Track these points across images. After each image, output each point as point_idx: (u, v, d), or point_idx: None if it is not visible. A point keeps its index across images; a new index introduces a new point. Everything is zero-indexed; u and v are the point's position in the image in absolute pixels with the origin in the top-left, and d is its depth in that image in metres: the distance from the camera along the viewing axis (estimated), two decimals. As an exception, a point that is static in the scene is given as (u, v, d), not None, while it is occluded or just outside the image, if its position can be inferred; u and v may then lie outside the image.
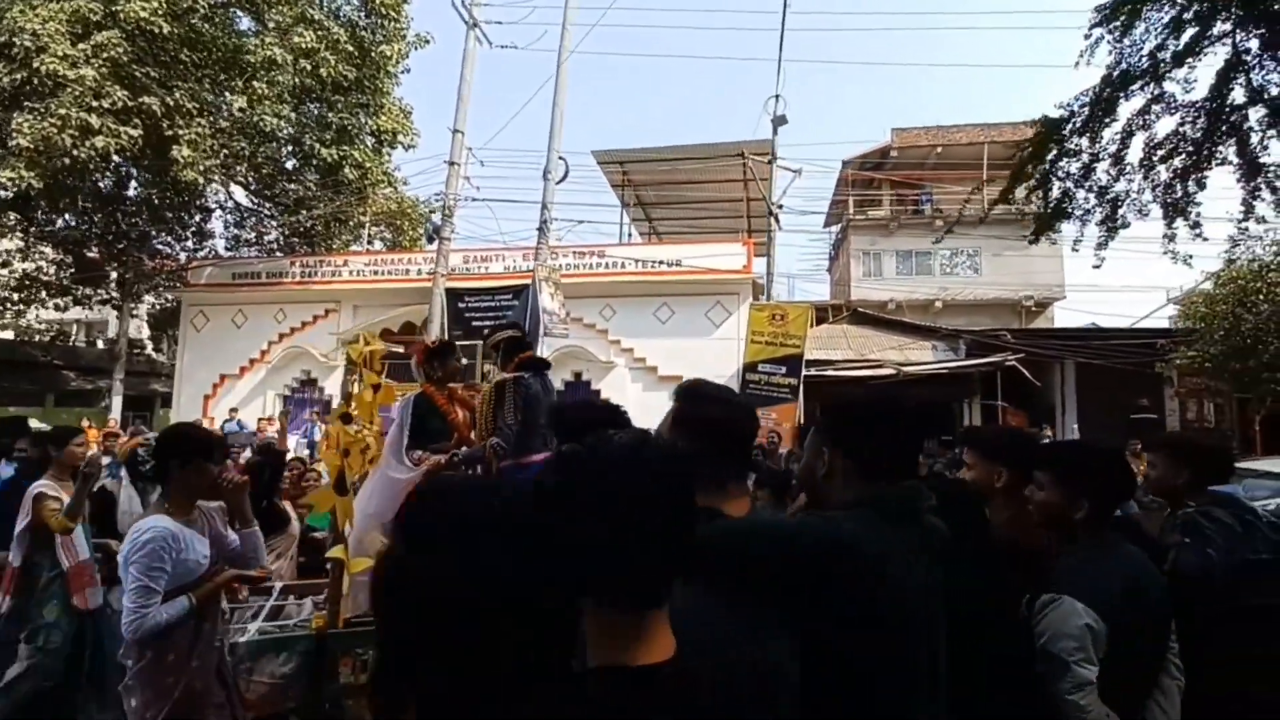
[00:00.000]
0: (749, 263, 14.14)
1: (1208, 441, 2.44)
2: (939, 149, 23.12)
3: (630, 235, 16.31)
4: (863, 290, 23.31)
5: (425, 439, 3.26)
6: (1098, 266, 5.58)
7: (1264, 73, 4.86)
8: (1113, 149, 5.49)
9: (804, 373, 11.27)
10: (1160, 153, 5.45)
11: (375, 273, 14.92)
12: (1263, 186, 5.15)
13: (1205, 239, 5.36)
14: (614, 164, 14.73)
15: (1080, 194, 5.84)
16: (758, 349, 9.01)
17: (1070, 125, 5.47)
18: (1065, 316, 22.27)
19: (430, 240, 13.73)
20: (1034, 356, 11.48)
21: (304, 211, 13.98)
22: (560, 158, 9.97)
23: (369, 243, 18.04)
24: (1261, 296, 8.54)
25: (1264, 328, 8.39)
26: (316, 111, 13.99)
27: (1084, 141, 5.50)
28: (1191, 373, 9.42)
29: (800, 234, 62.09)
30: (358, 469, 2.81)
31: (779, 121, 10.72)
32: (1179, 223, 5.53)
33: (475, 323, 9.69)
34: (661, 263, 14.25)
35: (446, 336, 9.91)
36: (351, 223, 16.76)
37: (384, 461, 2.92)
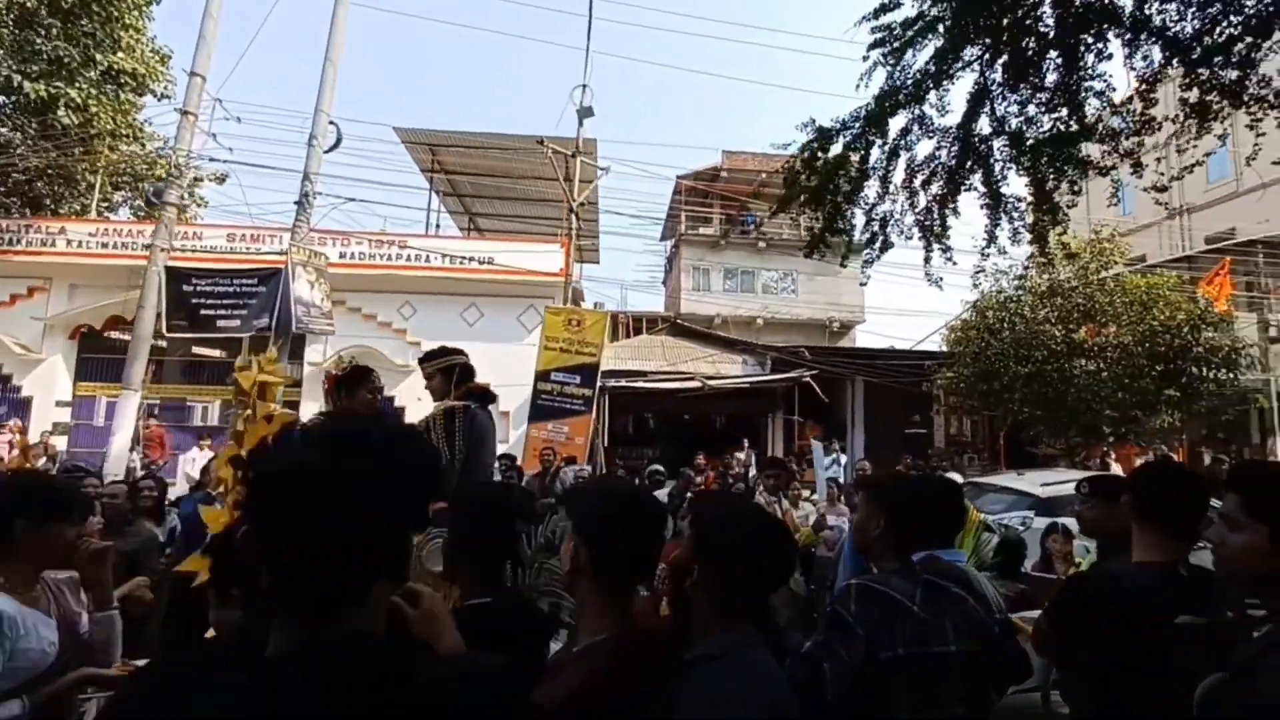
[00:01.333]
0: (566, 265, 13.42)
1: (917, 488, 1.96)
2: (763, 174, 24.33)
3: (439, 227, 14.83)
4: (691, 304, 23.78)
5: None
6: (864, 284, 5.55)
7: (1005, 104, 4.99)
8: (880, 170, 5.43)
9: (608, 383, 10.71)
10: (920, 176, 5.48)
11: (103, 245, 11.94)
12: (1002, 217, 5.33)
13: (955, 264, 5.46)
14: (420, 145, 13.25)
15: (852, 211, 5.76)
16: (551, 356, 8.22)
17: (842, 140, 5.32)
18: (865, 338, 24.37)
19: (150, 204, 11.22)
20: (827, 374, 12.00)
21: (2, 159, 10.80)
22: (331, 122, 8.45)
23: (109, 210, 14.69)
24: (1004, 325, 9.53)
25: (1005, 353, 9.36)
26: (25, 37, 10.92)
27: (854, 158, 5.39)
28: (951, 392, 10.30)
29: (635, 240, 63.70)
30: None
31: (584, 113, 10.10)
32: (935, 247, 5.61)
33: (204, 311, 7.80)
34: (471, 259, 13.03)
35: (164, 326, 7.90)
36: (83, 184, 13.47)
37: None
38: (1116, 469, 10.59)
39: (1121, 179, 5.27)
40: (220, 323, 7.87)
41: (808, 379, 10.91)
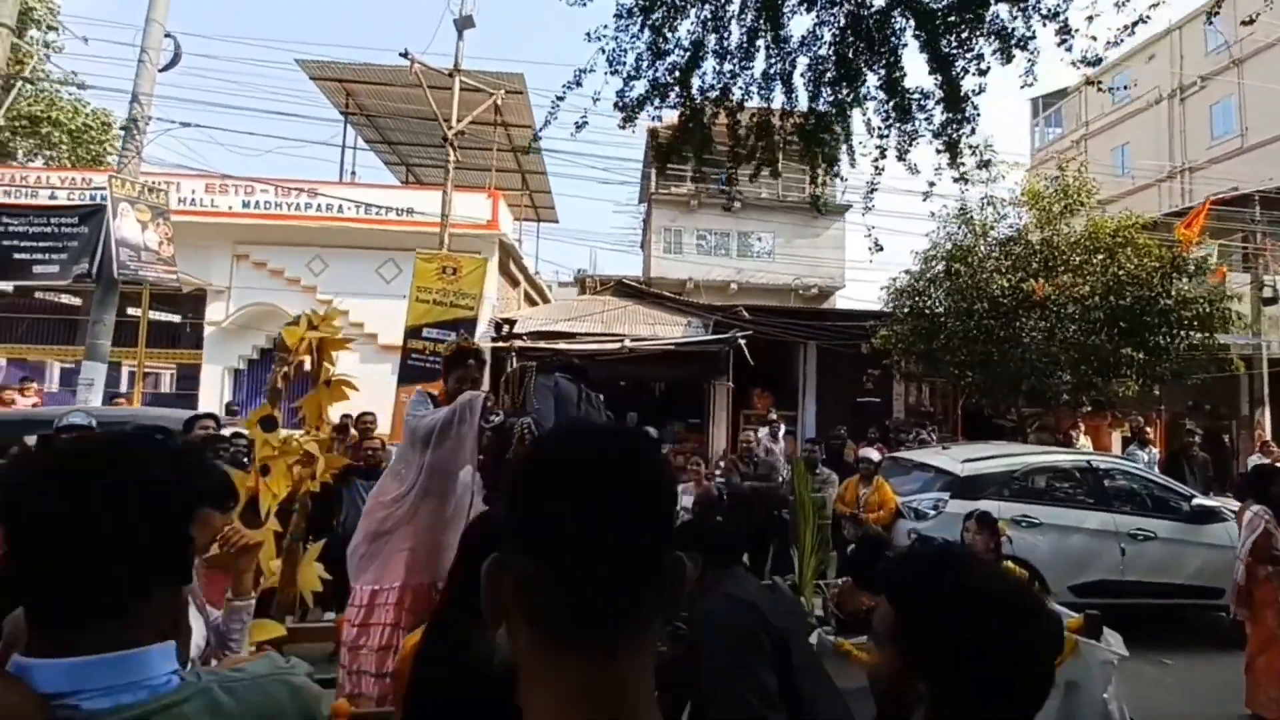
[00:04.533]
0: (495, 217, 12.34)
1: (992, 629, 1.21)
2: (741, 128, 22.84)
3: (355, 174, 13.67)
4: (663, 267, 22.66)
5: None
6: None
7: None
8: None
9: (516, 343, 9.74)
10: (800, 64, 4.35)
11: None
12: (905, 116, 4.21)
13: (843, 181, 4.36)
14: (330, 81, 12.05)
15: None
16: (423, 309, 7.18)
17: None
18: (846, 305, 23.20)
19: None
20: (773, 337, 10.93)
21: None
22: (168, 34, 7.31)
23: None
24: (947, 275, 8.38)
25: (943, 308, 8.27)
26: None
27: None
28: (885, 354, 9.21)
29: (610, 200, 62.32)
30: (282, 489, 2.30)
31: (464, 24, 8.86)
32: (821, 164, 4.52)
33: (18, 256, 6.79)
34: (389, 209, 11.93)
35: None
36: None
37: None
38: (1084, 443, 9.54)
39: (1043, 53, 4.15)
40: (37, 269, 6.87)
41: (740, 341, 9.84)
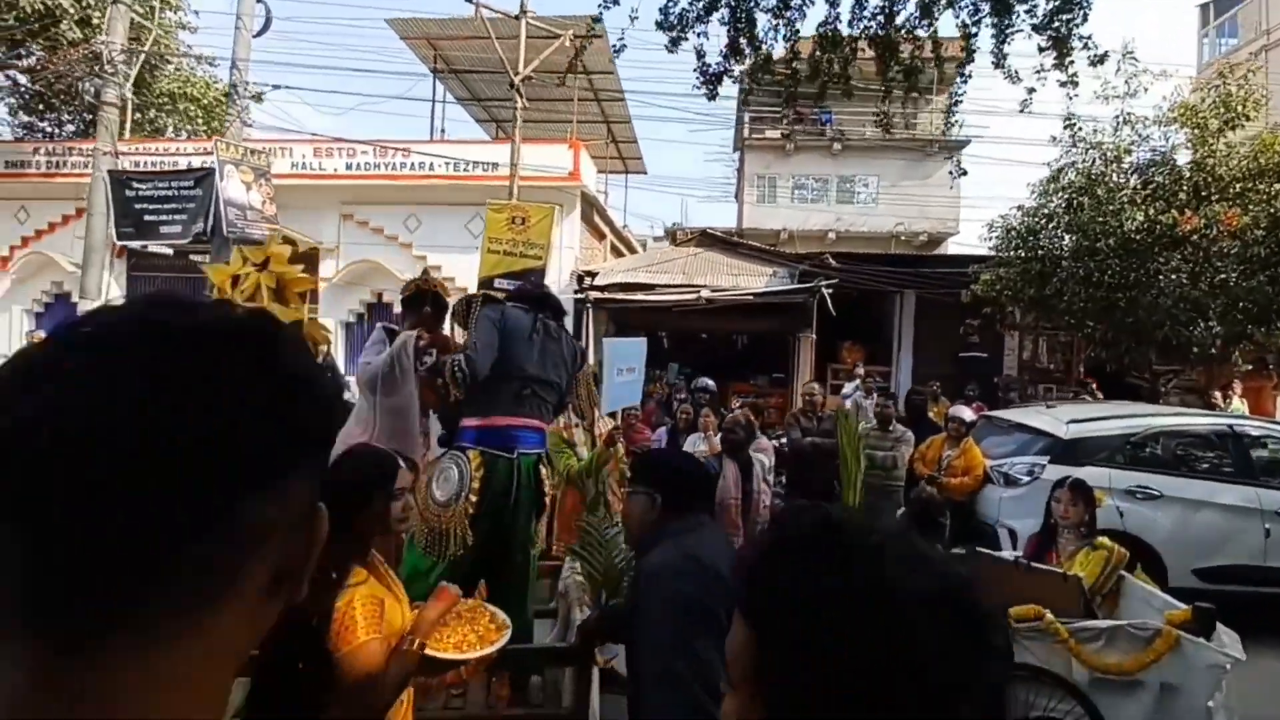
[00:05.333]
0: (576, 168, 12.27)
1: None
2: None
3: (444, 131, 14.05)
4: (757, 217, 21.80)
5: None
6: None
7: None
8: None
9: (591, 295, 9.73)
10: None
11: (135, 165, 12.36)
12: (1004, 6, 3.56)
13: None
14: (419, 39, 12.31)
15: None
16: (494, 260, 7.30)
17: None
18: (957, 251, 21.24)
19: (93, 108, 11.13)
20: (858, 285, 10.17)
21: (28, 79, 11.21)
22: (259, 1, 7.72)
23: (156, 131, 15.22)
24: (1070, 209, 7.20)
25: (1060, 245, 7.14)
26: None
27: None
28: (987, 301, 8.20)
29: (697, 149, 60.35)
30: None
31: None
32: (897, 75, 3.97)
33: (149, 218, 7.61)
34: (476, 164, 12.22)
35: (114, 233, 7.81)
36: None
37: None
38: (1239, 406, 8.17)
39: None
40: (163, 229, 7.67)
41: (825, 290, 9.21)
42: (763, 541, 0.60)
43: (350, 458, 1.57)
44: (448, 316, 2.77)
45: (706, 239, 13.60)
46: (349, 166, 12.53)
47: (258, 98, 14.07)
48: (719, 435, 4.34)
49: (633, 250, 17.96)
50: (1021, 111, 3.89)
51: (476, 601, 1.73)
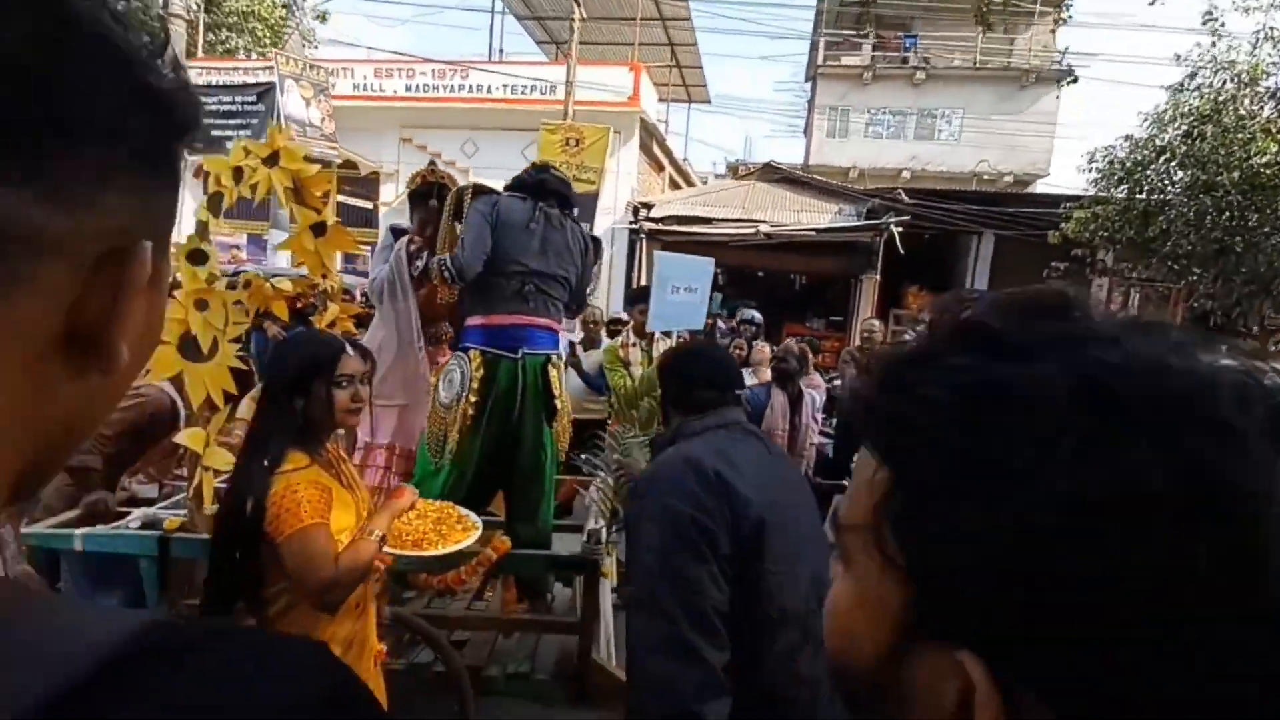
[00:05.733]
0: (636, 92, 11.75)
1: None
2: (933, -16, 19.29)
3: (503, 52, 13.65)
4: (826, 152, 20.61)
5: None
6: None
7: None
8: None
9: (645, 225, 9.46)
10: None
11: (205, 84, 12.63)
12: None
13: None
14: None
15: None
16: (548, 183, 7.11)
17: None
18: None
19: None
20: (931, 224, 9.47)
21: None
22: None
23: (228, 52, 15.44)
24: (1187, 140, 6.30)
25: (1169, 181, 6.29)
26: None
27: None
28: (1078, 242, 7.43)
29: (766, 78, 56.69)
30: (221, 322, 2.05)
31: None
32: None
33: (215, 132, 7.74)
34: (533, 87, 11.88)
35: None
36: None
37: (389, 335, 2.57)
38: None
39: None
40: (229, 144, 7.75)
41: (895, 228, 8.60)
42: (914, 340, 0.37)
43: (291, 344, 1.52)
44: (445, 214, 2.63)
45: (770, 172, 12.94)
46: (408, 89, 12.40)
47: (322, 18, 13.98)
48: (771, 365, 4.15)
49: (691, 185, 17.37)
50: (1152, 3, 3.30)
51: (448, 505, 1.69)
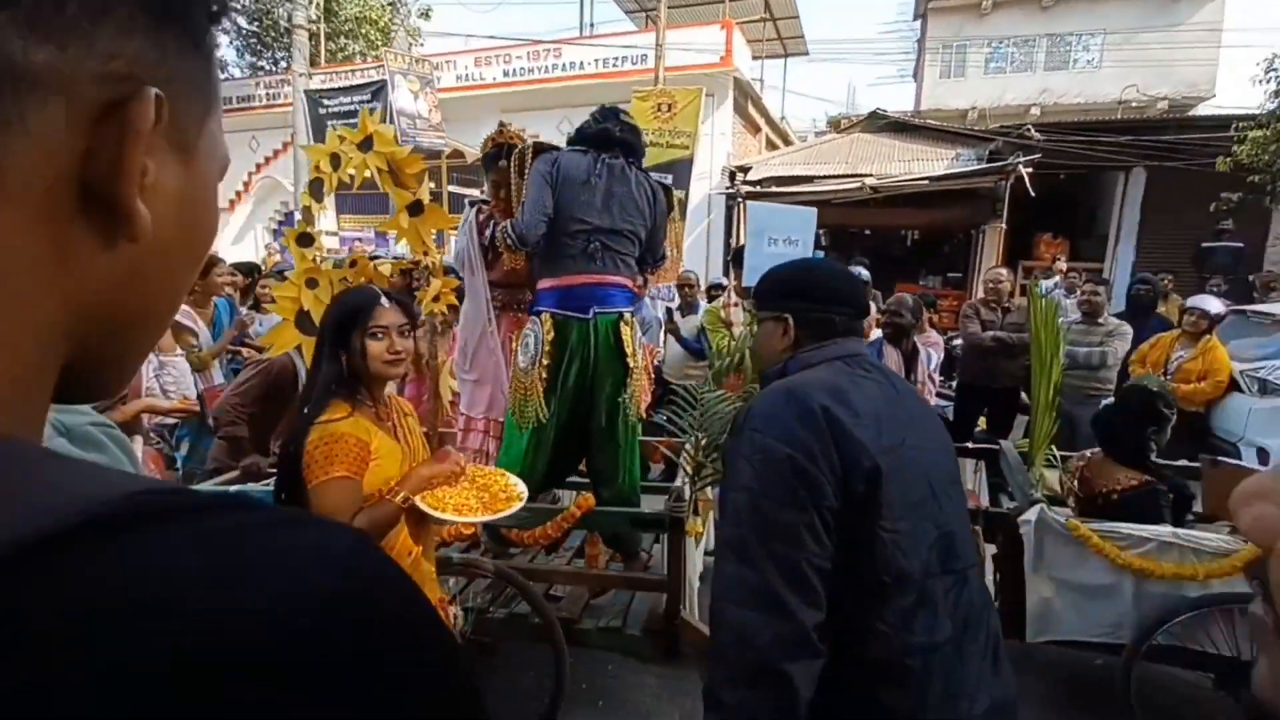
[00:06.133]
0: (728, 51, 11.34)
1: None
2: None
3: (593, 25, 13.62)
4: (939, 95, 18.97)
5: None
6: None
7: None
8: None
9: (742, 188, 9.19)
10: None
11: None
12: None
13: None
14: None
15: None
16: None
17: None
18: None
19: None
20: (1067, 164, 8.43)
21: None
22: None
23: (347, 59, 16.62)
24: None
25: None
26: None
27: None
28: (1255, 168, 6.26)
29: (869, 19, 52.12)
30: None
31: None
32: None
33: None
34: (624, 59, 11.83)
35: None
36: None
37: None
38: None
39: None
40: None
41: (1023, 170, 7.71)
42: None
43: (335, 299, 1.58)
44: (513, 174, 2.63)
45: (875, 121, 12.09)
46: (505, 74, 12.75)
47: (426, 14, 14.64)
48: (882, 319, 3.90)
49: (790, 145, 16.60)
50: None
51: (498, 472, 1.67)
